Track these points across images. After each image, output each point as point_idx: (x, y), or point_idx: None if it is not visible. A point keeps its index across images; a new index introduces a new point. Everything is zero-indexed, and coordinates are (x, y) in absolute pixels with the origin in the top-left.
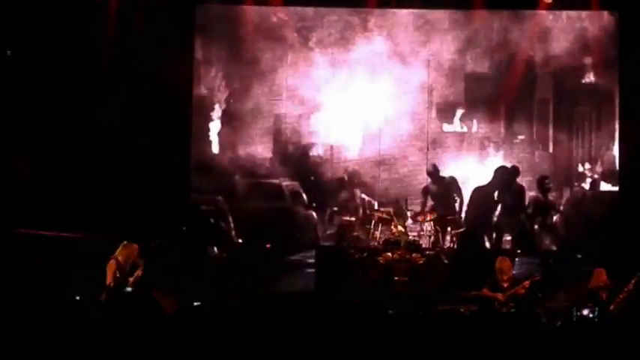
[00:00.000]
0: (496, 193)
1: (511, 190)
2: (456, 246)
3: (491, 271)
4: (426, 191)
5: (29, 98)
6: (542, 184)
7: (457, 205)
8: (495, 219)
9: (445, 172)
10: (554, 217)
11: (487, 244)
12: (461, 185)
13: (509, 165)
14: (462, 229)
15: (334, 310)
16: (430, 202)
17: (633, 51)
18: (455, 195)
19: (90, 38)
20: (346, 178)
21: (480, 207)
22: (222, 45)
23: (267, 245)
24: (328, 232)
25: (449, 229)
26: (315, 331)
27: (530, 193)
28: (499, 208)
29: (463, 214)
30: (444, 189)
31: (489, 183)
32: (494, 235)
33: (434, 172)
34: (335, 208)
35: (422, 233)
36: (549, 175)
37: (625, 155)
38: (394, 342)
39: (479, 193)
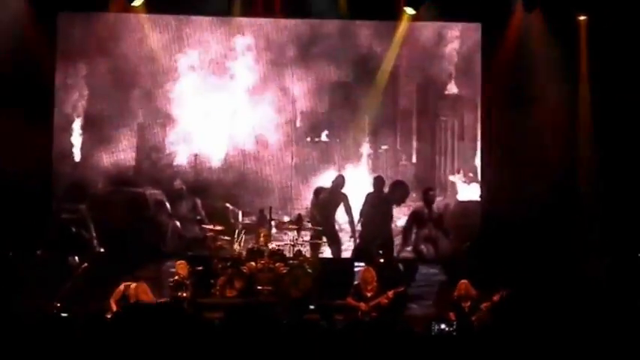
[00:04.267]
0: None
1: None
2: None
3: (356, 280)
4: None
5: None
6: (427, 195)
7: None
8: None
9: (312, 183)
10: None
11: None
12: None
13: (373, 175)
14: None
15: (200, 319)
16: (297, 212)
17: (496, 61)
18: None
19: None
20: (184, 188)
21: (374, 217)
22: (83, 50)
23: (130, 255)
24: (192, 242)
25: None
26: (181, 342)
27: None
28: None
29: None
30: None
31: (384, 194)
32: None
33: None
34: (199, 217)
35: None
36: (434, 187)
37: (486, 165)
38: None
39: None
